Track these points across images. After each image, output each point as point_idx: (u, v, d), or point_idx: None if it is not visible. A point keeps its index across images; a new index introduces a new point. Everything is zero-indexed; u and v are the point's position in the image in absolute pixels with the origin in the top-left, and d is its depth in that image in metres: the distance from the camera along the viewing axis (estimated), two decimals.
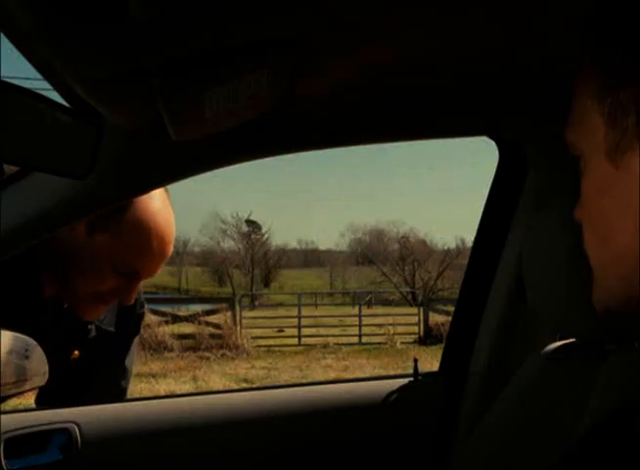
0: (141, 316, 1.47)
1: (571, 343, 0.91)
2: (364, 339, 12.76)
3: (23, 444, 1.10)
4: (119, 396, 1.43)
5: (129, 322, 1.42)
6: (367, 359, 10.32)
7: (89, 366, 1.38)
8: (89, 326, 1.34)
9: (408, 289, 28.12)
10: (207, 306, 13.15)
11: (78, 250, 1.18)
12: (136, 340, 1.48)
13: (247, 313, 15.80)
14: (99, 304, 1.24)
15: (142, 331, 1.60)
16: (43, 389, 1.37)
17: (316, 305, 22.65)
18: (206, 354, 10.40)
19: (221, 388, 7.51)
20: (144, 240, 1.19)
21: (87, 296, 1.21)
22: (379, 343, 12.01)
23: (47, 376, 1.03)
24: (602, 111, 0.53)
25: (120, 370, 1.44)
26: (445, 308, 12.79)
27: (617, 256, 0.54)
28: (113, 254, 1.18)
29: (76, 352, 1.34)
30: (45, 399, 1.40)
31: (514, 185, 1.27)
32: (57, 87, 0.75)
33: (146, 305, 1.52)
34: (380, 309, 18.90)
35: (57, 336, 1.25)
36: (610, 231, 0.54)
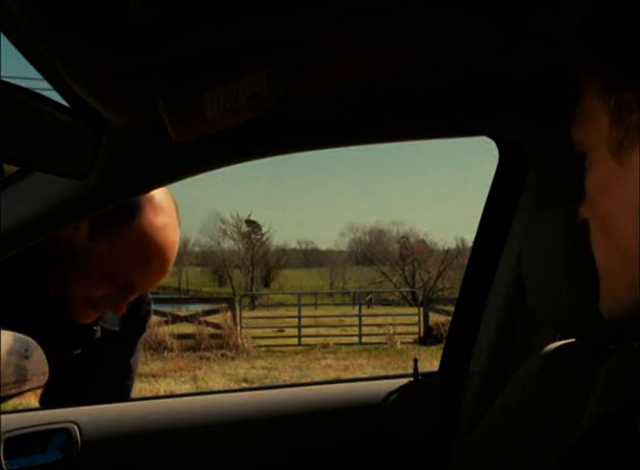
0: (147, 314, 1.46)
1: (571, 343, 0.91)
2: (364, 339, 12.74)
3: (23, 444, 1.10)
4: (124, 395, 1.43)
5: (135, 321, 1.41)
6: (367, 359, 10.32)
7: (93, 366, 1.38)
8: (94, 327, 1.34)
9: (408, 289, 28.09)
10: (207, 306, 13.15)
11: (77, 252, 1.17)
12: (141, 339, 1.48)
13: (247, 313, 15.79)
14: (90, 309, 1.23)
15: None
16: (47, 388, 1.38)
17: (316, 305, 22.63)
18: (206, 354, 10.40)
19: (221, 388, 7.51)
20: (144, 254, 1.19)
21: (79, 299, 1.21)
22: (379, 343, 12.00)
23: (47, 376, 1.03)
24: (607, 109, 0.53)
25: (126, 369, 1.43)
26: (445, 308, 12.77)
27: (623, 255, 0.54)
28: (110, 262, 1.17)
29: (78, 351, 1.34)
30: (49, 399, 1.39)
31: (514, 185, 1.27)
32: (57, 87, 0.75)
33: (152, 304, 1.51)
34: (380, 309, 18.90)
35: (62, 335, 1.25)
36: (614, 229, 0.54)
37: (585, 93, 0.57)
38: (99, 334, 1.35)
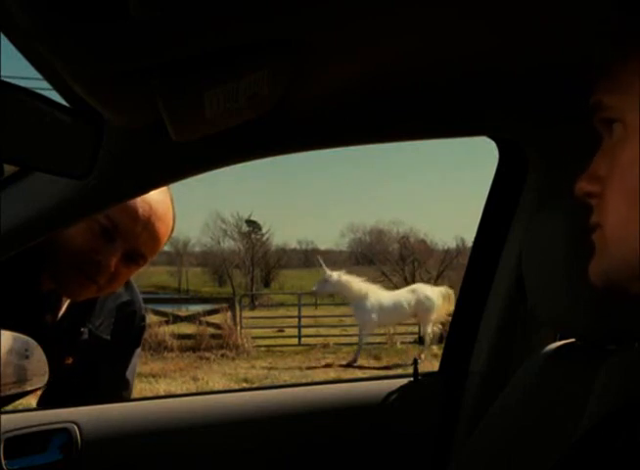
0: (142, 329, 1.47)
1: (571, 343, 0.91)
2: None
3: (23, 444, 1.10)
4: None
5: (128, 333, 1.42)
6: (367, 359, 10.32)
7: (84, 370, 1.38)
8: (82, 329, 1.34)
9: None
10: (208, 306, 13.12)
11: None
12: (137, 352, 1.48)
13: (247, 313, 15.76)
14: (84, 280, 1.22)
15: None
16: (45, 391, 1.38)
17: (316, 306, 22.58)
18: (206, 354, 10.39)
19: (221, 388, 7.51)
20: (135, 211, 1.20)
21: (70, 264, 1.20)
22: (379, 343, 12.00)
23: (47, 376, 1.03)
24: None
25: (121, 381, 1.43)
26: None
27: None
28: (105, 216, 1.18)
29: (70, 359, 1.34)
30: (47, 402, 1.40)
31: (514, 185, 1.27)
32: (57, 87, 0.75)
33: (147, 320, 1.52)
34: None
35: (52, 337, 1.25)
36: None
37: (629, 55, 0.54)
38: (86, 336, 1.34)
